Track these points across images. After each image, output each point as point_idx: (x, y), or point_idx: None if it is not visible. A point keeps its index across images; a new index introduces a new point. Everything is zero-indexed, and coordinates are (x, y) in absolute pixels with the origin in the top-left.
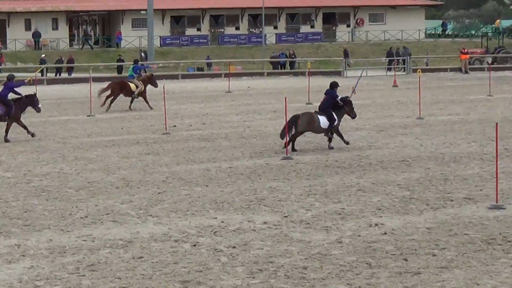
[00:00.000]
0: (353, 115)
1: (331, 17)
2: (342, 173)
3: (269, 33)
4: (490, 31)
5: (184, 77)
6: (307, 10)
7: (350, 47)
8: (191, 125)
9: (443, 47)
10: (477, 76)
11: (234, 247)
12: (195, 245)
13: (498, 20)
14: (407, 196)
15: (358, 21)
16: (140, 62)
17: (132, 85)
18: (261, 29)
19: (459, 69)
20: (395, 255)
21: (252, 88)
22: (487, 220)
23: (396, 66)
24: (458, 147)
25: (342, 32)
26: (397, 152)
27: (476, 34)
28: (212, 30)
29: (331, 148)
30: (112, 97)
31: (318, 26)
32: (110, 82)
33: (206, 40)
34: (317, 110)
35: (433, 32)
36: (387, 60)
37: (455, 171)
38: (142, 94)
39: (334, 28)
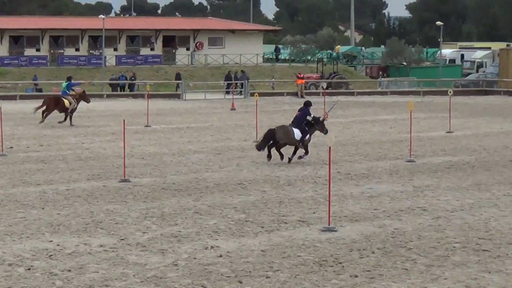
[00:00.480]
0: (325, 132)
1: (171, 40)
2: (179, 196)
3: (109, 55)
4: (325, 56)
5: (23, 98)
6: (147, 32)
7: (189, 70)
8: (28, 147)
9: (280, 72)
10: (312, 100)
11: (69, 270)
12: (29, 269)
13: (338, 46)
14: (243, 218)
15: (197, 45)
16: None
17: (66, 102)
18: (101, 51)
19: (295, 94)
20: (230, 277)
21: (91, 110)
22: (319, 242)
23: (234, 89)
24: (293, 170)
25: (182, 55)
26: (234, 175)
27: (312, 59)
28: (52, 51)
29: (300, 158)
30: (47, 112)
31: (158, 49)
32: (45, 98)
33: (45, 61)
34: (291, 123)
35: (270, 57)
36: (226, 84)
37: (290, 194)
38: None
39: (174, 51)
